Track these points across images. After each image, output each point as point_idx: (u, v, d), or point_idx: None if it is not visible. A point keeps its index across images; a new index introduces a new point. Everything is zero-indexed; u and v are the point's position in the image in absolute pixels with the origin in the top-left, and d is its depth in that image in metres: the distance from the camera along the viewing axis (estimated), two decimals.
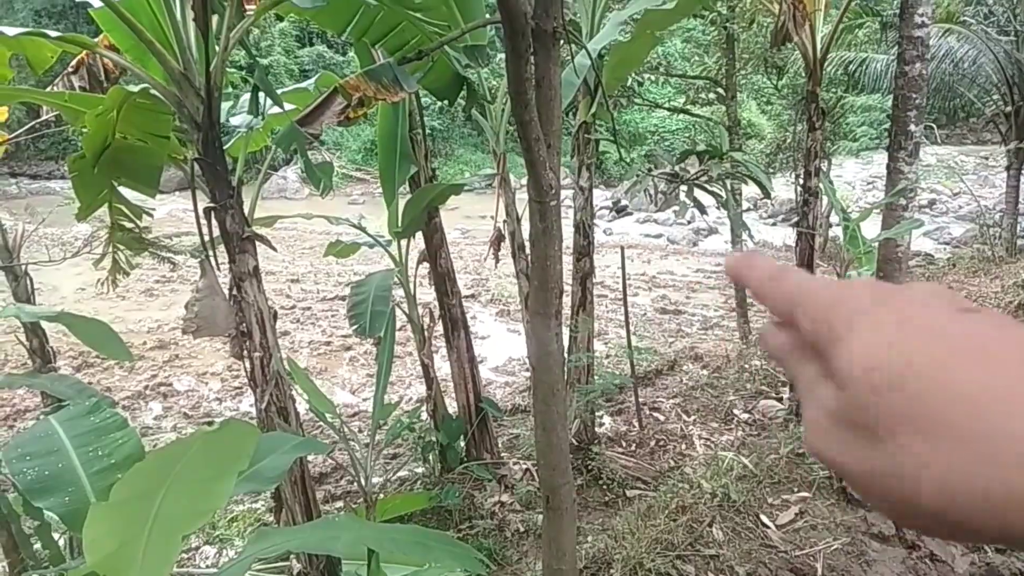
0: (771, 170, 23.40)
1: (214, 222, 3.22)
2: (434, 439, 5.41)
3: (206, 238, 3.08)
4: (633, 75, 6.75)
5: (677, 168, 3.39)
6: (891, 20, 16.39)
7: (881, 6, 15.34)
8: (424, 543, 2.15)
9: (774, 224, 23.61)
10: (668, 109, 13.67)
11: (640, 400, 7.18)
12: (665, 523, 3.08)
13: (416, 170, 5.00)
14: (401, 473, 5.91)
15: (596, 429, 6.14)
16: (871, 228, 5.88)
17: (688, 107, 9.78)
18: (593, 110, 5.27)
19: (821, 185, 4.75)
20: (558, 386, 2.74)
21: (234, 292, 3.24)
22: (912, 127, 4.57)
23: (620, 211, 25.75)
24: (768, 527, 3.08)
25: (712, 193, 3.31)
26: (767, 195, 4.08)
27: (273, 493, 3.77)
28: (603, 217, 24.87)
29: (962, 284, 10.46)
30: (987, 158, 26.67)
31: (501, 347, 11.44)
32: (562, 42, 3.02)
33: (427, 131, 5.21)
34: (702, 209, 3.46)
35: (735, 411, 6.29)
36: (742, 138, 24.51)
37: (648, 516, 3.26)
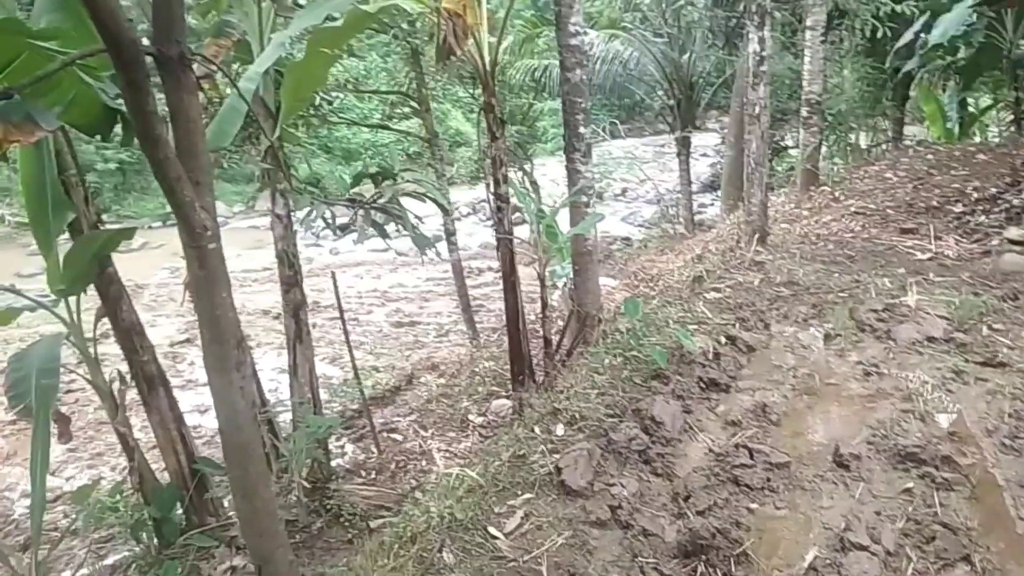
0: (483, 175, 24.40)
1: None
2: (145, 515, 4.76)
3: None
4: (322, 93, 6.55)
5: (351, 193, 3.28)
6: None
7: (551, 15, 16.81)
8: None
9: (491, 224, 24.77)
10: (366, 125, 13.61)
11: (379, 422, 7.03)
12: (394, 559, 2.95)
13: (75, 216, 4.34)
14: (111, 560, 5.15)
15: (333, 463, 5.86)
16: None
17: (386, 122, 9.79)
18: (278, 133, 4.98)
19: (511, 189, 4.95)
20: (252, 445, 2.48)
21: None
22: (582, 129, 4.93)
23: (343, 229, 25.28)
24: (497, 538, 3.09)
25: (391, 214, 3.24)
26: (445, 212, 4.15)
27: None
28: (328, 237, 24.21)
29: (653, 262, 11.83)
30: (663, 146, 30.28)
31: None
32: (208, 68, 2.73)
33: (98, 167, 4.53)
34: (383, 234, 3.39)
35: (470, 417, 6.38)
36: (453, 148, 25.24)
37: (382, 552, 3.11)
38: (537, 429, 3.95)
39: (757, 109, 6.81)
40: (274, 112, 5.03)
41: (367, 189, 4.42)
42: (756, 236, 6.88)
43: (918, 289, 5.22)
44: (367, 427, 7.48)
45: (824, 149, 15.43)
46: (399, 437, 6.42)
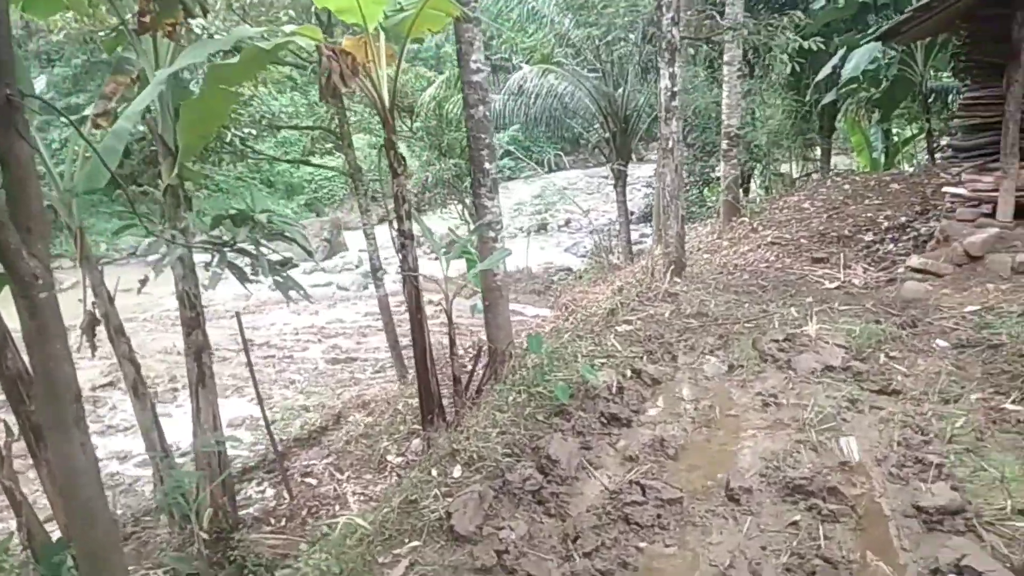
0: (424, 207, 24.53)
1: None
2: (31, 573, 4.49)
3: None
4: (235, 129, 6.43)
5: (213, 234, 3.18)
6: (501, 64, 18.20)
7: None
8: None
9: (436, 258, 24.72)
10: (284, 161, 13.45)
11: (302, 464, 6.83)
12: None
13: None
14: None
15: (240, 512, 5.64)
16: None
17: (307, 158, 9.67)
18: (175, 171, 4.85)
19: (417, 225, 4.91)
20: (95, 506, 2.33)
21: None
22: (487, 165, 4.92)
23: (284, 264, 24.92)
24: None
25: (248, 255, 3.15)
26: (309, 255, 4.07)
27: None
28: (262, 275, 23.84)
29: (585, 293, 11.88)
30: (607, 177, 30.78)
31: None
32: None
33: None
34: (243, 277, 3.29)
35: (388, 457, 6.23)
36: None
37: None
38: (434, 472, 3.86)
39: (670, 143, 6.94)
40: (173, 150, 4.90)
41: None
42: (672, 268, 6.97)
43: (820, 319, 5.32)
44: (288, 469, 7.28)
45: (755, 181, 15.90)
46: (314, 481, 6.23)
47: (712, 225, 10.58)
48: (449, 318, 5.00)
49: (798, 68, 9.97)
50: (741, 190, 15.31)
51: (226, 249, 2.87)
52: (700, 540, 3.25)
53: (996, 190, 6.07)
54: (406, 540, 3.29)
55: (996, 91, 6.11)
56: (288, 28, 4.27)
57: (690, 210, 16.24)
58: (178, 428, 9.05)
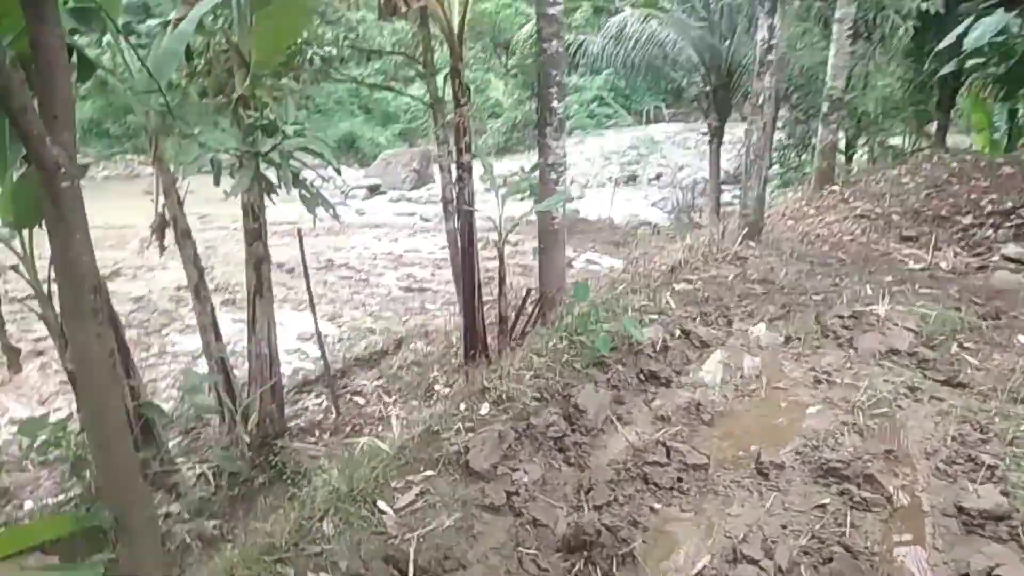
0: (514, 146, 24.33)
1: None
2: (85, 454, 4.79)
3: None
4: (317, 48, 6.44)
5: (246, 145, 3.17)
6: (604, 5, 17.57)
7: None
8: None
9: (522, 199, 24.63)
10: (368, 86, 13.42)
11: (354, 383, 7.03)
12: (272, 525, 2.89)
13: None
14: (60, 497, 5.21)
15: (290, 421, 5.86)
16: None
17: (390, 84, 9.62)
18: (247, 83, 4.89)
19: (479, 159, 4.82)
20: (107, 395, 2.41)
21: None
22: (555, 103, 4.76)
23: (373, 190, 25.42)
24: (385, 512, 3.01)
25: (278, 167, 3.13)
26: (337, 172, 4.02)
27: None
28: (356, 197, 24.43)
29: (661, 248, 11.50)
30: (706, 133, 29.75)
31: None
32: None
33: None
34: (270, 188, 3.29)
35: (436, 387, 6.31)
36: (493, 118, 24.76)
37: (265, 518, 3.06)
38: (463, 406, 3.86)
39: (761, 99, 6.55)
40: (246, 60, 4.94)
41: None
42: (747, 230, 6.66)
43: (895, 299, 4.98)
44: (347, 387, 7.51)
45: (861, 149, 14.98)
46: (362, 400, 6.39)
47: (804, 191, 10.02)
48: (501, 256, 4.94)
49: (917, 33, 9.16)
50: (845, 157, 14.50)
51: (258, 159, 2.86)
52: (719, 510, 3.14)
53: None
54: (422, 468, 3.32)
55: None
56: None
57: (786, 175, 15.50)
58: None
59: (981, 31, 9.31)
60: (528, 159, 24.20)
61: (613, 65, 16.52)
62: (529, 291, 5.27)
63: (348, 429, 5.83)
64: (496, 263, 5.44)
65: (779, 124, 17.00)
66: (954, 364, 4.21)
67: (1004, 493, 3.12)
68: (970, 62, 10.82)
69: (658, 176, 27.04)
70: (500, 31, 17.70)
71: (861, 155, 14.72)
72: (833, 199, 8.36)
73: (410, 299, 13.90)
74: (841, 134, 15.06)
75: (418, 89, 14.74)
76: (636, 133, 29.43)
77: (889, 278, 5.66)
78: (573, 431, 3.57)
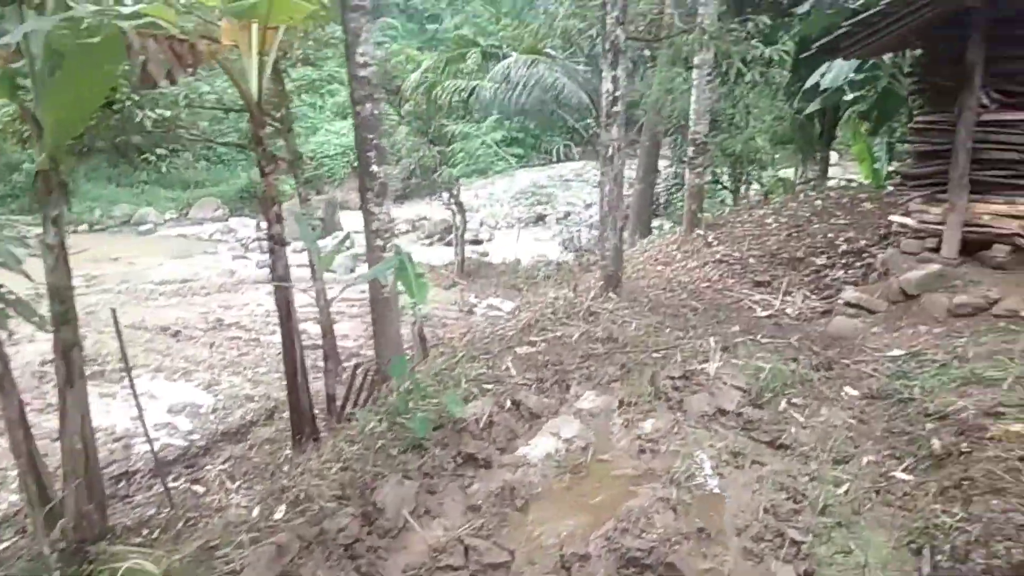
0: (410, 193, 24.09)
1: None
2: None
3: None
4: (150, 111, 6.09)
5: None
6: (491, 51, 17.74)
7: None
8: None
9: (431, 244, 24.44)
10: (222, 144, 13.04)
11: (192, 469, 6.54)
12: None
13: None
14: None
15: (111, 521, 5.34)
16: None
17: (242, 142, 9.32)
18: (45, 153, 4.50)
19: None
20: None
21: None
22: (374, 167, 4.55)
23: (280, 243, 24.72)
24: None
25: None
26: None
27: None
28: (256, 250, 23.73)
29: (545, 295, 11.42)
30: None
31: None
32: None
33: None
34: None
35: (285, 467, 5.91)
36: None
37: None
38: (257, 510, 3.54)
39: (611, 151, 6.53)
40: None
41: None
42: (606, 283, 6.58)
43: (732, 354, 4.93)
44: (206, 466, 7.00)
45: (750, 187, 15.45)
46: (202, 489, 5.92)
47: (678, 235, 10.14)
48: (324, 331, 4.66)
49: (793, 72, 9.50)
50: (733, 197, 14.89)
51: None
52: None
53: (943, 223, 5.63)
54: None
55: (949, 116, 5.64)
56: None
57: (673, 215, 15.83)
58: (119, 410, 8.87)
59: (836, 72, 9.74)
60: (429, 206, 23.94)
61: (503, 110, 16.62)
62: (357, 366, 5.00)
63: (180, 524, 5.35)
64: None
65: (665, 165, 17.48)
66: (779, 423, 4.14)
67: (807, 573, 3.02)
68: (830, 100, 11.34)
69: (566, 215, 27.30)
70: (390, 78, 17.54)
71: (748, 192, 15.18)
72: (698, 243, 8.43)
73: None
74: (724, 174, 15.60)
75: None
76: (547, 172, 29.68)
77: (736, 328, 5.64)
78: (369, 534, 3.28)
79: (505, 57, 15.86)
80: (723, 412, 4.24)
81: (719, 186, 16.18)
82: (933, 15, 5.53)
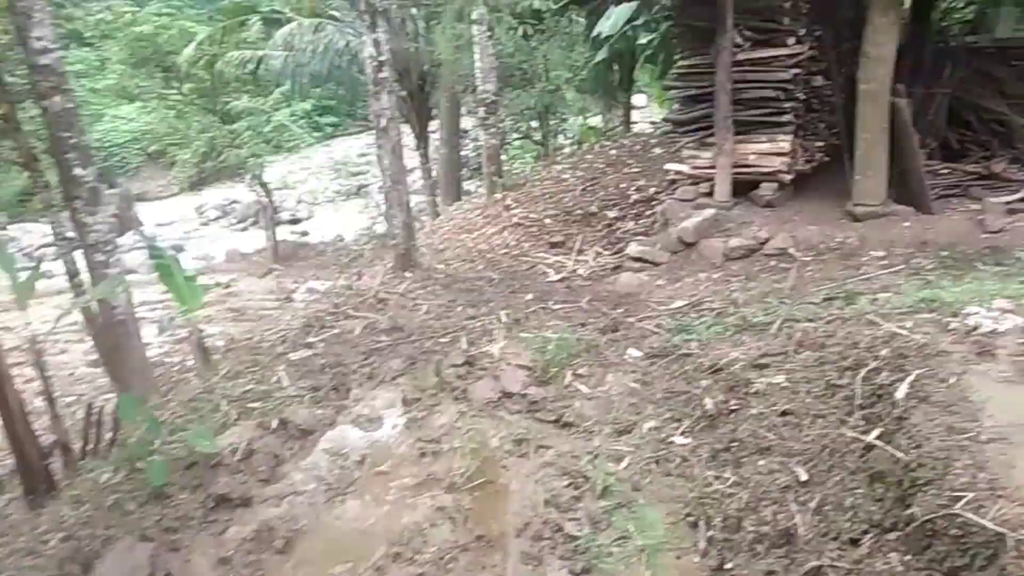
0: (208, 179, 22.23)
1: None
2: None
3: None
4: None
5: None
6: (273, 16, 16.47)
7: None
8: None
9: (244, 229, 22.87)
10: None
11: None
12: None
13: None
14: None
15: None
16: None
17: None
18: None
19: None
20: None
21: None
22: (78, 171, 3.82)
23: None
24: None
25: None
26: None
27: None
28: (47, 257, 21.15)
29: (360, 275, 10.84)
30: (435, 132, 29.64)
31: None
32: None
33: None
34: None
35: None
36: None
37: None
38: None
39: (384, 121, 6.06)
40: None
41: None
42: (399, 262, 6.18)
43: (522, 327, 4.71)
44: None
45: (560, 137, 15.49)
46: None
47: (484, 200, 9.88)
48: (40, 371, 3.95)
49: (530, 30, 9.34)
50: (545, 150, 14.86)
51: None
52: None
53: (714, 167, 5.70)
54: None
55: (708, 59, 5.68)
56: None
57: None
58: None
59: (613, 19, 9.76)
60: (234, 189, 22.19)
61: (296, 79, 15.54)
62: (90, 406, 4.31)
63: None
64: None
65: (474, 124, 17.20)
66: (564, 399, 3.97)
67: (585, 571, 2.84)
68: (619, 46, 11.44)
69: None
70: (163, 53, 15.90)
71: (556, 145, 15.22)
72: (497, 208, 8.20)
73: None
74: (532, 129, 15.57)
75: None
76: (364, 140, 28.55)
77: (529, 296, 5.44)
78: None
79: (288, 22, 14.77)
80: (508, 395, 4.00)
81: (531, 141, 16.14)
82: None
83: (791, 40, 5.55)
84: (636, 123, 17.31)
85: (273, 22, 15.69)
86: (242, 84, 16.40)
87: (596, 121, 17.87)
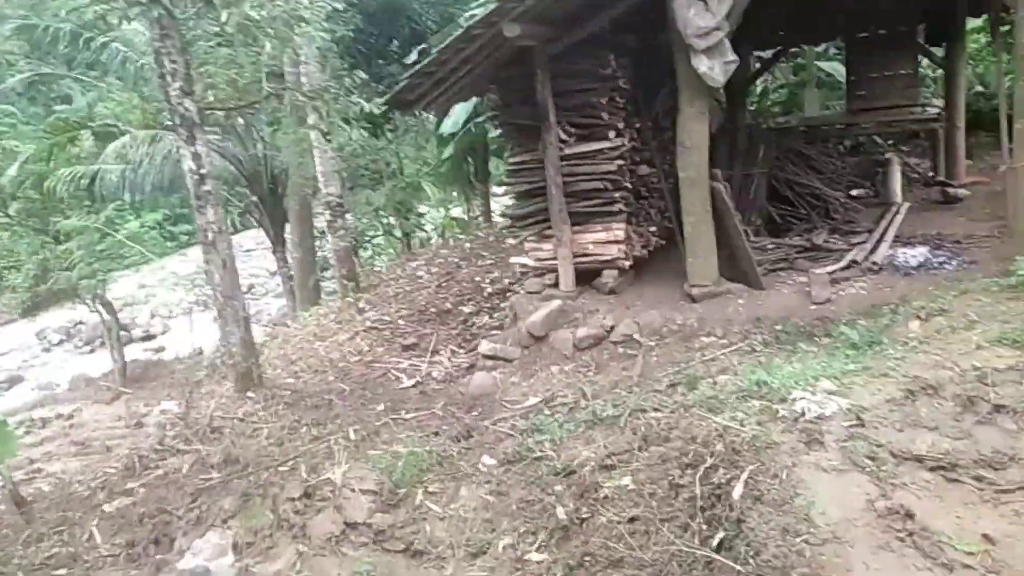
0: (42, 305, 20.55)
1: None
2: None
3: None
4: None
5: None
6: (106, 130, 15.73)
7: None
8: None
9: (92, 351, 21.15)
10: None
11: None
12: None
13: None
14: None
15: None
16: None
17: None
18: None
19: None
20: None
21: None
22: None
23: None
24: None
25: None
26: None
27: None
28: None
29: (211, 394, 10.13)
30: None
31: None
32: None
33: None
34: None
35: None
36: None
37: None
38: None
39: (211, 235, 5.70)
40: None
41: None
42: (234, 386, 5.73)
43: (366, 445, 4.39)
44: None
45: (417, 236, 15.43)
46: None
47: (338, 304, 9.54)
48: None
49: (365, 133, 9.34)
50: (406, 246, 14.73)
51: None
52: None
53: (555, 258, 5.74)
54: None
55: (537, 155, 5.80)
56: None
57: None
58: None
59: (455, 117, 9.97)
60: (76, 310, 20.66)
61: (134, 190, 14.75)
62: None
63: None
64: None
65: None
66: (415, 522, 3.68)
67: None
68: (464, 141, 11.67)
69: (250, 288, 25.36)
70: None
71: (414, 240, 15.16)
72: (351, 311, 7.91)
73: None
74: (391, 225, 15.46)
75: None
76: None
77: (380, 407, 5.15)
78: None
79: (123, 135, 14.14)
80: (352, 526, 3.66)
81: (392, 237, 16.02)
82: (499, 57, 5.61)
83: (612, 133, 5.77)
84: (496, 211, 17.63)
85: (106, 135, 15.01)
86: (78, 201, 15.45)
87: (459, 212, 18.06)
